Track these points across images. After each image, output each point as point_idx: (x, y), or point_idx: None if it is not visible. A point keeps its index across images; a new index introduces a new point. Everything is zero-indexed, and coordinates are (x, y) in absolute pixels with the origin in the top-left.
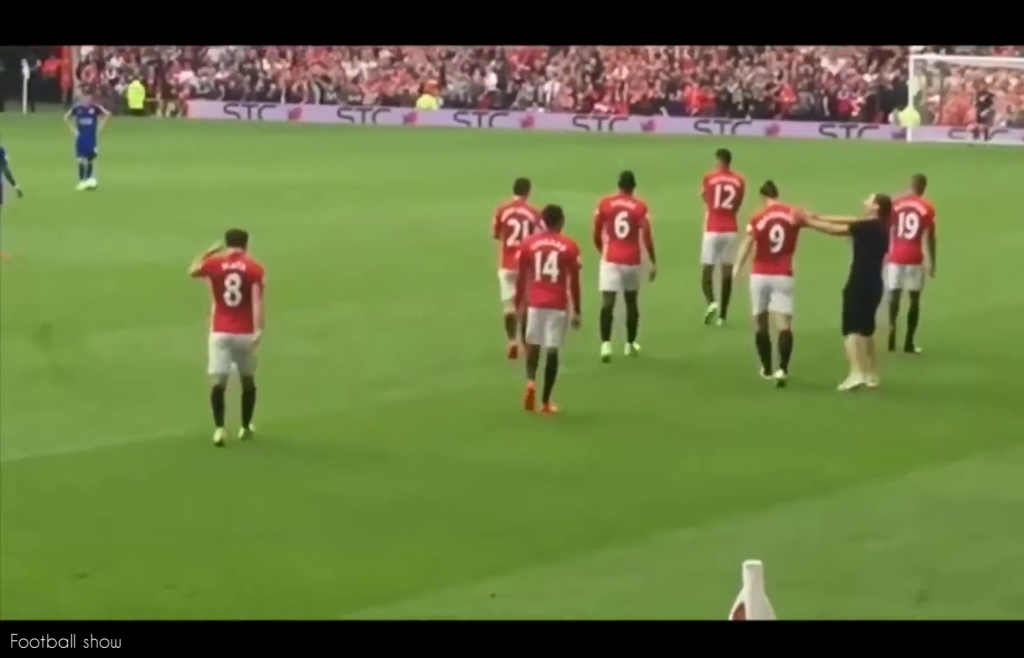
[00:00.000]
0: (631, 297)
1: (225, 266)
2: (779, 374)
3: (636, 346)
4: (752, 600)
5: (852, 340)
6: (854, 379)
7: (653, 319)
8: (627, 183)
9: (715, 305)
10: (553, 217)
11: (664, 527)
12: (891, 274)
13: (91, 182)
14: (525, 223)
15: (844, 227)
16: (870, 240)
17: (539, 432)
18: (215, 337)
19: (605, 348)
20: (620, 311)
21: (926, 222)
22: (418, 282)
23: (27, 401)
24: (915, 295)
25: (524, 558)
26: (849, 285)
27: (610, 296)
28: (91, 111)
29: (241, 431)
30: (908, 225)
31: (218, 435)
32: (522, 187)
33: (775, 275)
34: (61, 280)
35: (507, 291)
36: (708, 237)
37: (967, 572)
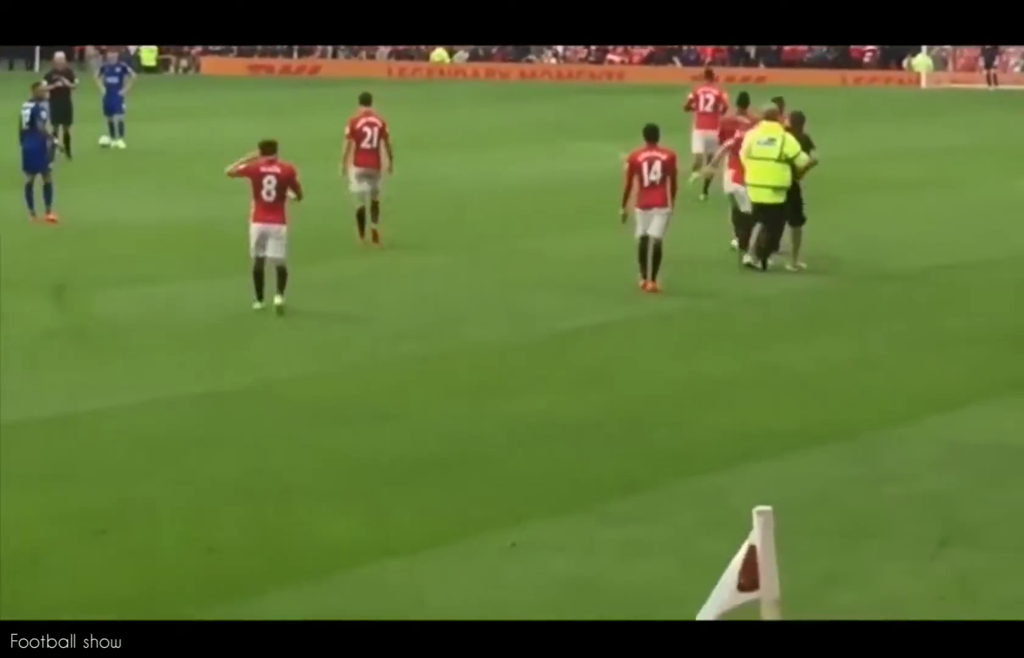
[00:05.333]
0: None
1: (263, 169)
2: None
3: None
4: (762, 545)
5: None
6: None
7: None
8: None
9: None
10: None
11: (682, 476)
12: None
13: (119, 142)
14: (375, 129)
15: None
16: None
17: (557, 384)
18: (254, 228)
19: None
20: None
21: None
22: (435, 235)
23: (43, 361)
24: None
25: (543, 509)
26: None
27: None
28: (117, 69)
29: (277, 298)
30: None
31: (257, 305)
32: (366, 99)
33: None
34: (76, 239)
35: (356, 186)
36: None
37: (986, 518)
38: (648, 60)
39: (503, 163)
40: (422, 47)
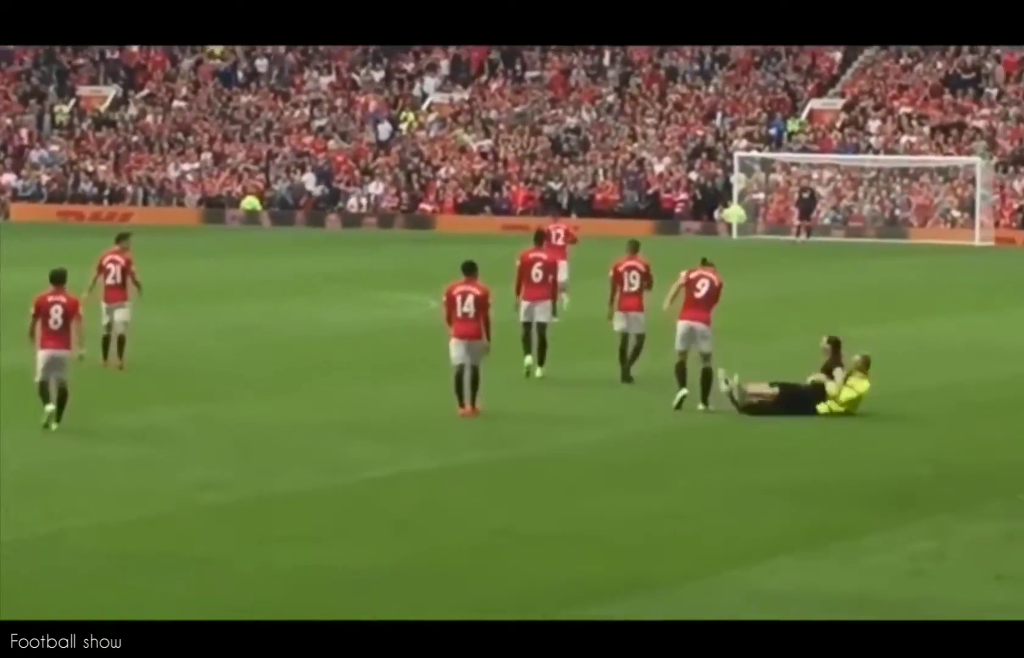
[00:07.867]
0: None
1: (50, 299)
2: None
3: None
4: None
5: None
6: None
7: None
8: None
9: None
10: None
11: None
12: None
13: None
14: (118, 266)
15: None
16: None
17: (367, 533)
18: (42, 353)
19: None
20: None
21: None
22: (246, 383)
23: None
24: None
25: None
26: None
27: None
28: None
29: (53, 425)
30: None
31: (49, 408)
32: (121, 237)
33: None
34: None
35: (105, 317)
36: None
37: None
38: (460, 209)
39: (314, 311)
40: (233, 194)
